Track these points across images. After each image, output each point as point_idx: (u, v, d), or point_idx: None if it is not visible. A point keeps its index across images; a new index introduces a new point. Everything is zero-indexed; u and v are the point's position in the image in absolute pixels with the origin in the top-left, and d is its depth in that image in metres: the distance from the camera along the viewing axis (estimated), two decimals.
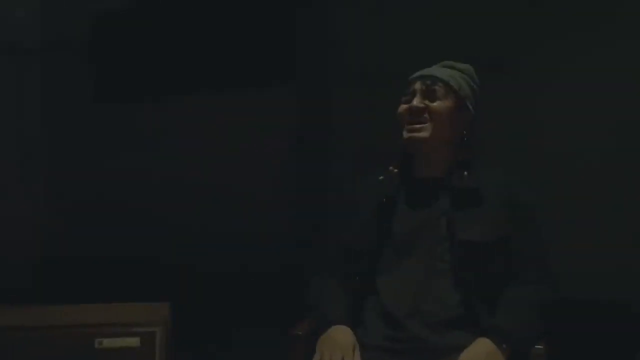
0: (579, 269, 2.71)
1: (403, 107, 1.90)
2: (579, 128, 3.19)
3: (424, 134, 1.84)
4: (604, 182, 3.11)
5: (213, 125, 3.97)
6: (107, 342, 1.73)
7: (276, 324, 3.53)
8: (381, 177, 1.96)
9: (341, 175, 3.72)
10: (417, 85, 1.89)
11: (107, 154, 4.35)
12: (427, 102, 1.86)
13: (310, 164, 3.84)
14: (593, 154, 3.16)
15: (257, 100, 3.87)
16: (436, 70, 1.92)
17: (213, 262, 3.91)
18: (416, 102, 1.86)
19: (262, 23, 3.93)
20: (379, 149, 3.53)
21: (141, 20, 4.25)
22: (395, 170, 1.96)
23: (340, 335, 1.74)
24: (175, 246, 4.06)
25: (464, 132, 1.89)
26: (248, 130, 3.86)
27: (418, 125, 1.85)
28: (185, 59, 4.11)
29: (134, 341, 1.70)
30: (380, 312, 1.79)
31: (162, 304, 1.74)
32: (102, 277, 4.00)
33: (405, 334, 1.73)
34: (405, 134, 1.87)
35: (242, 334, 3.45)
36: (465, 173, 1.85)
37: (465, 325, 1.72)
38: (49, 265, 4.28)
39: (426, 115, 1.85)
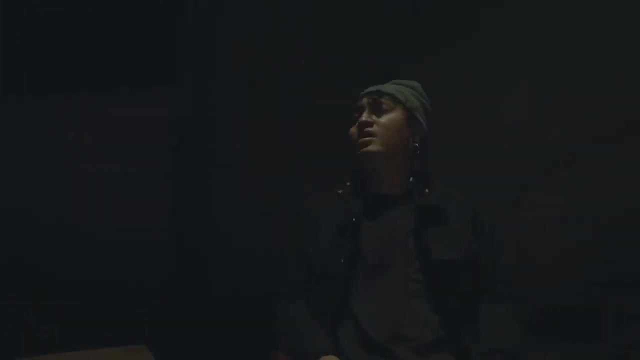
0: None
1: (353, 128, 1.92)
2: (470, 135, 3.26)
3: (374, 147, 1.86)
4: (511, 186, 3.22)
5: (85, 127, 3.58)
6: None
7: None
8: (340, 191, 1.94)
9: (224, 182, 3.55)
10: (365, 101, 1.93)
11: None
12: (374, 116, 1.90)
13: (191, 170, 3.61)
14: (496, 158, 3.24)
15: (133, 100, 3.57)
16: (382, 86, 1.95)
17: (77, 272, 3.52)
18: (364, 117, 1.89)
19: (141, 22, 3.64)
20: (262, 154, 3.45)
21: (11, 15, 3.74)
22: (350, 186, 1.93)
23: None
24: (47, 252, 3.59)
25: (416, 144, 1.90)
26: (125, 134, 3.54)
27: (367, 139, 1.87)
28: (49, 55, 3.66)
29: None
30: (356, 337, 1.76)
31: (138, 347, 1.47)
32: None
33: (389, 359, 1.69)
34: (357, 150, 1.88)
35: None
36: (427, 190, 1.87)
37: (448, 346, 1.74)
38: None
39: (374, 129, 1.87)
